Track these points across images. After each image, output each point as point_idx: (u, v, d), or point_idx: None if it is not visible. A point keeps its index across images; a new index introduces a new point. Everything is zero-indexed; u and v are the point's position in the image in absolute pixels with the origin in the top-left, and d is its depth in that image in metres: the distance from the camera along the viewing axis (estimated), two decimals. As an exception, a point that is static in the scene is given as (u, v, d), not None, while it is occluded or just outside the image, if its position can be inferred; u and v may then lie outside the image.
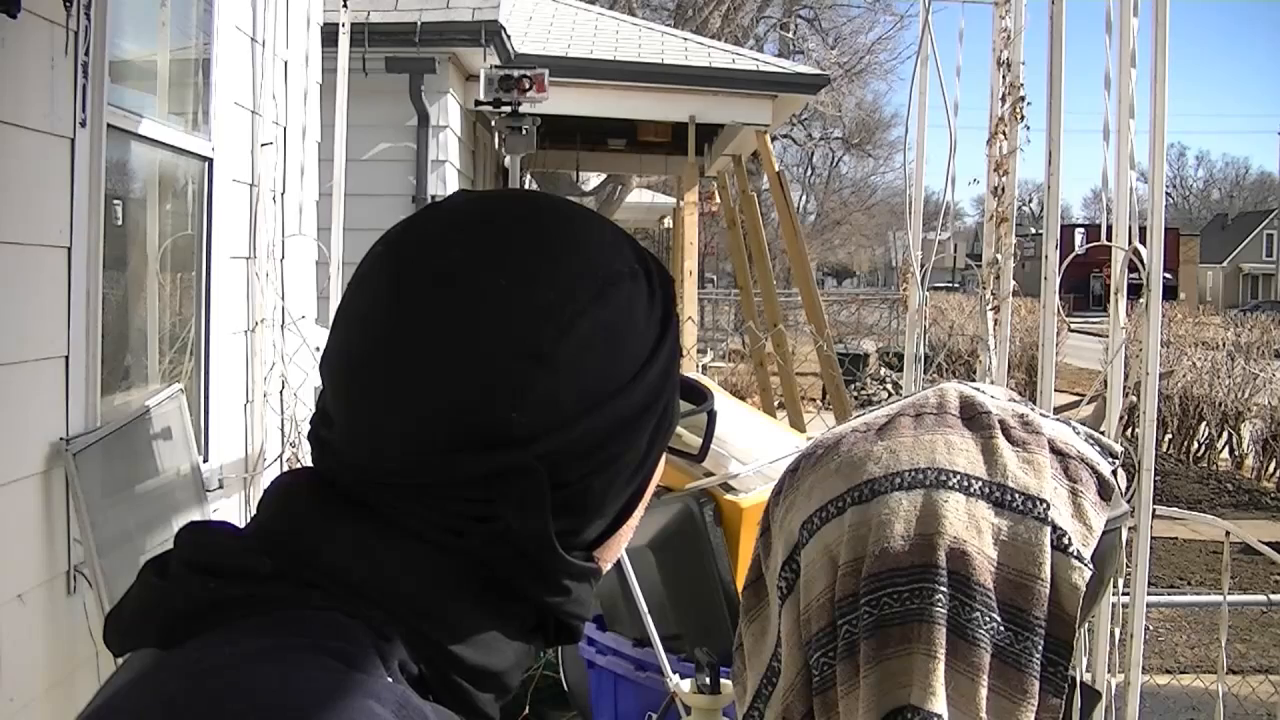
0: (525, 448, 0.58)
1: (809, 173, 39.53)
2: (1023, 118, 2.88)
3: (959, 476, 1.13)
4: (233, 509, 3.46)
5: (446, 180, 6.56)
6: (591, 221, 0.66)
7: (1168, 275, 2.73)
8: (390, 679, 0.55)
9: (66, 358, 2.54)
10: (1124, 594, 2.52)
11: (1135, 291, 2.57)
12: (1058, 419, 1.28)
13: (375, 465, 0.60)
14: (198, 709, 0.51)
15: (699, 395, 0.76)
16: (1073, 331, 16.95)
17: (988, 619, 1.08)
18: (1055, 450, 1.18)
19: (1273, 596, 4.13)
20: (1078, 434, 1.24)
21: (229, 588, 0.57)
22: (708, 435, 0.76)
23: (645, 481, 0.67)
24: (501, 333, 0.58)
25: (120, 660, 0.61)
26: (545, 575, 0.61)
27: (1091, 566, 1.12)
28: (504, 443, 0.58)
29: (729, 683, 2.24)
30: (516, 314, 0.59)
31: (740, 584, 1.65)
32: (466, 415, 0.58)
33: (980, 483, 1.13)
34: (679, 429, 0.74)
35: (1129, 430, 2.63)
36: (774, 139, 12.75)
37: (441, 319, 0.59)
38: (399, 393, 0.59)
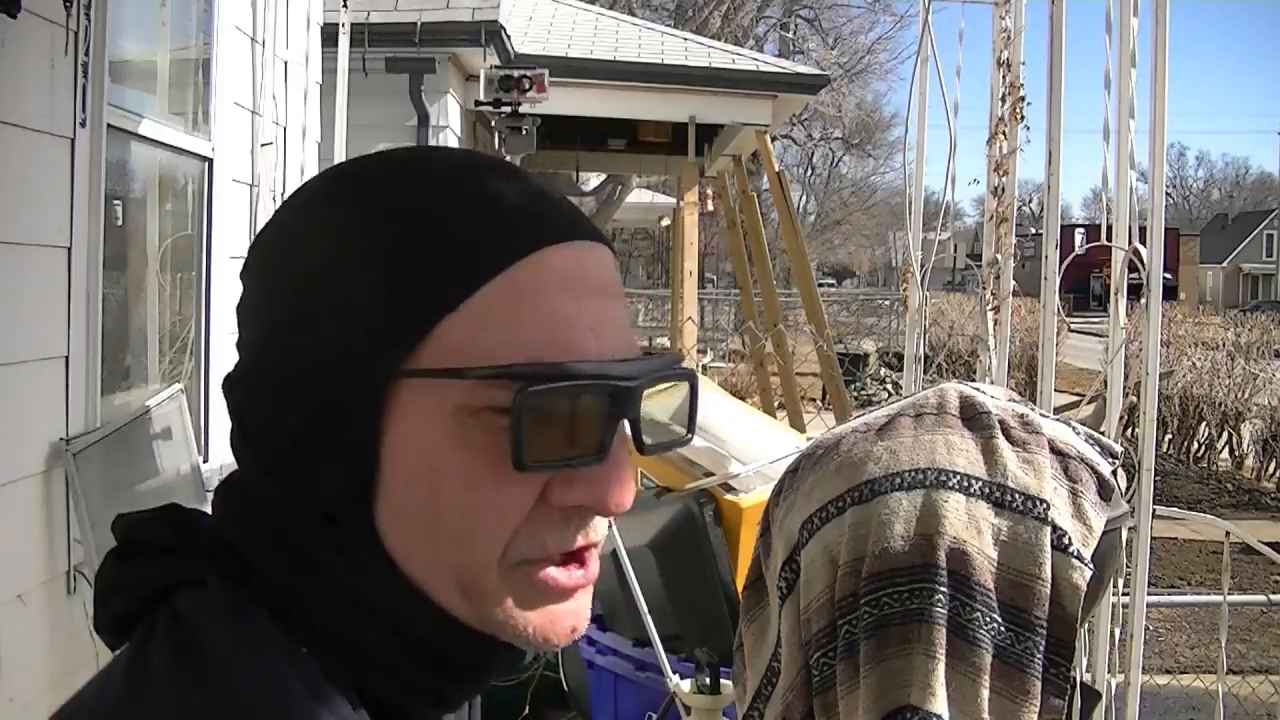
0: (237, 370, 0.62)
1: (809, 173, 39.48)
2: (1023, 118, 2.88)
3: (959, 477, 1.13)
4: (233, 509, 3.45)
5: (446, 180, 6.56)
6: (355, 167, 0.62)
7: (1168, 275, 2.73)
8: (298, 663, 0.54)
9: (66, 358, 2.54)
10: (1124, 594, 2.52)
11: (1135, 291, 2.57)
12: (1058, 419, 1.27)
13: None
14: None
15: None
16: (1073, 331, 16.95)
17: (988, 619, 1.08)
18: (1055, 450, 1.18)
19: (1273, 596, 4.14)
20: (1078, 434, 1.24)
21: (140, 569, 0.58)
22: (692, 405, 0.62)
23: (317, 417, 0.57)
24: (260, 263, 0.61)
25: None
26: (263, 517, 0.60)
27: (1092, 566, 1.12)
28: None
29: (729, 683, 2.24)
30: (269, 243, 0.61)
31: (740, 584, 1.64)
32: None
33: (980, 483, 1.13)
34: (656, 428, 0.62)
35: (1129, 430, 2.63)
36: (774, 139, 12.74)
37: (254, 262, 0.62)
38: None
